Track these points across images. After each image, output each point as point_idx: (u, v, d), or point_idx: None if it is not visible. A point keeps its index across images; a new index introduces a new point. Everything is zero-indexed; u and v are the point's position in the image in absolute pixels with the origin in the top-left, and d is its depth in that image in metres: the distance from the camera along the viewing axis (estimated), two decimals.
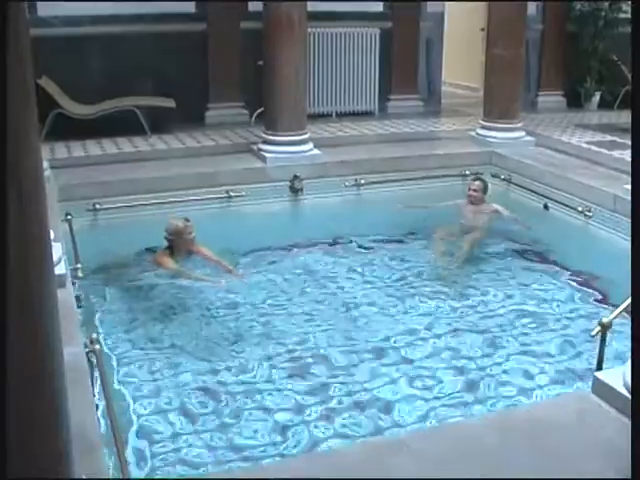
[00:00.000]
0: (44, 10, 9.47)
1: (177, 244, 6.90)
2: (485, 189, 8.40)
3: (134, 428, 4.60)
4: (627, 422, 3.42)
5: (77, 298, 5.38)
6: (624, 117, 11.75)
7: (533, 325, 6.23)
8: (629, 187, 7.12)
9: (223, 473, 3.90)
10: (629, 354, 4.01)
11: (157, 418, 4.77)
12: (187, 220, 6.94)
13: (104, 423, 3.85)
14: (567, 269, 7.42)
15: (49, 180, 6.92)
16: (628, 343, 5.29)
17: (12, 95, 1.90)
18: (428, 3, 12.57)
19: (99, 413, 3.87)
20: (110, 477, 3.18)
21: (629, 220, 6.89)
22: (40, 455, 2.18)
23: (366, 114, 12.07)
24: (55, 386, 2.25)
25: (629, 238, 6.83)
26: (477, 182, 8.42)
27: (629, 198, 6.94)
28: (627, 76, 12.44)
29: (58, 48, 9.55)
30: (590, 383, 3.83)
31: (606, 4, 12.82)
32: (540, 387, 5.19)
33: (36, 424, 2.15)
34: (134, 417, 4.75)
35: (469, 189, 8.40)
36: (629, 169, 8.03)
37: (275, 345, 5.83)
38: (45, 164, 6.69)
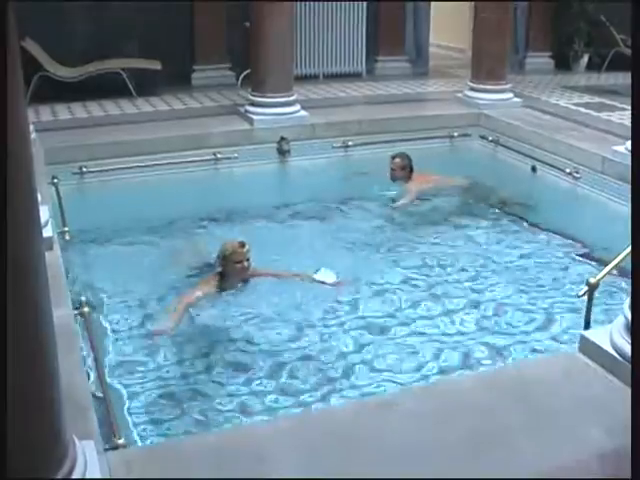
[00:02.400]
0: None
1: (227, 270, 5.87)
2: (407, 166, 8.23)
3: (125, 390, 4.62)
4: (613, 380, 3.46)
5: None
6: (612, 79, 11.75)
7: (520, 285, 6.27)
8: (617, 148, 7.18)
9: (214, 434, 3.92)
10: (616, 313, 4.05)
11: (148, 379, 4.79)
12: (242, 245, 5.84)
13: (94, 385, 3.86)
14: (554, 230, 7.44)
15: (35, 143, 6.85)
16: (615, 303, 5.38)
17: None
18: None
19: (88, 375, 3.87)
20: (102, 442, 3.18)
21: (617, 181, 6.98)
22: (34, 416, 2.19)
23: (353, 75, 12.00)
24: (45, 347, 2.25)
25: (617, 199, 6.93)
26: (396, 159, 8.28)
27: (617, 159, 7.04)
28: (616, 38, 12.40)
29: (42, 9, 9.40)
30: (577, 342, 3.86)
31: None
32: (528, 346, 5.24)
33: (29, 385, 2.16)
34: (125, 378, 4.77)
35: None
36: (617, 131, 8.13)
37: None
38: (30, 127, 6.63)
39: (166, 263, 6.51)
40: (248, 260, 5.84)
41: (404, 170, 8.23)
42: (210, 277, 5.96)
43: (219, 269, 5.89)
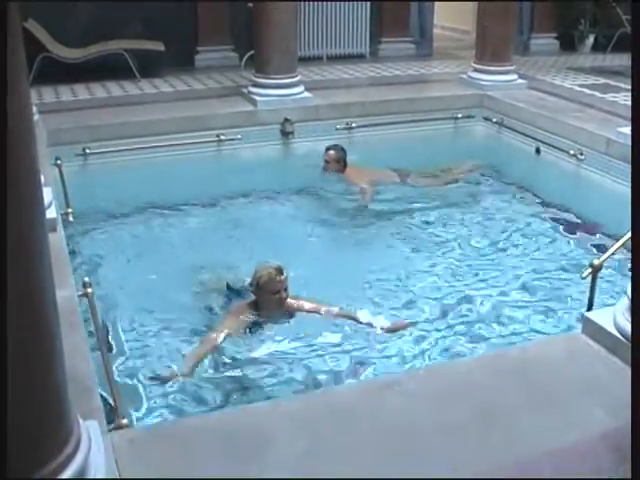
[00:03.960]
0: None
1: (261, 301, 5.13)
2: (341, 159, 7.98)
3: (127, 370, 4.64)
4: (616, 361, 3.47)
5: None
6: (618, 60, 11.69)
7: (523, 267, 6.27)
8: (621, 130, 7.15)
9: (218, 414, 3.93)
10: (619, 294, 4.05)
11: (150, 359, 4.81)
12: (280, 271, 5.02)
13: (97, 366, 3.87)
14: (559, 212, 7.44)
15: (37, 125, 6.84)
16: (617, 284, 5.39)
17: None
18: None
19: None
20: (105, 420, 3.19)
21: (621, 163, 6.96)
22: (38, 395, 2.20)
23: (357, 57, 11.96)
24: (49, 328, 2.26)
25: (621, 181, 6.90)
26: (330, 152, 8.01)
27: (621, 141, 7.01)
28: (622, 18, 12.32)
29: None
30: (580, 323, 3.86)
31: None
32: (530, 327, 5.25)
33: (32, 364, 2.16)
34: (127, 359, 4.79)
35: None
36: (622, 112, 8.10)
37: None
38: (33, 108, 6.60)
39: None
40: (286, 290, 5.07)
41: (338, 163, 7.98)
42: (242, 306, 5.21)
43: (252, 298, 5.18)
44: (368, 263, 6.26)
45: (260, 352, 4.82)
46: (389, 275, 6.07)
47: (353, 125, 8.84)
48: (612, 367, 3.44)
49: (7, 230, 1.98)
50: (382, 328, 5.06)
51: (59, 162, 6.98)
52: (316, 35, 11.71)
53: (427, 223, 7.24)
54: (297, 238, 6.75)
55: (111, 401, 3.55)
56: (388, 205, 7.63)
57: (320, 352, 4.85)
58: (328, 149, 8.05)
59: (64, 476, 2.28)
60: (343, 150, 8.04)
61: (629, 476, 2.61)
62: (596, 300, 4.39)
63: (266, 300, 5.06)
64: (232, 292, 5.50)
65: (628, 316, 3.45)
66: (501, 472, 2.80)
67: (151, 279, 5.92)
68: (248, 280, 5.23)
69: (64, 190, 6.57)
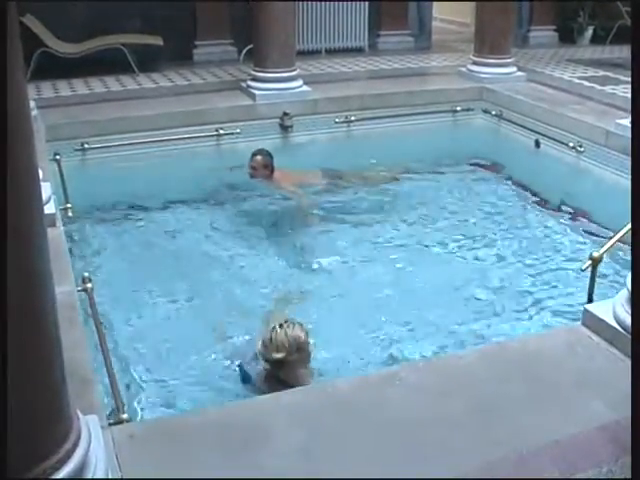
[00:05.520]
0: None
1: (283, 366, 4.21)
2: (269, 164, 7.54)
3: (127, 365, 4.64)
4: (616, 353, 3.47)
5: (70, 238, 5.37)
6: (617, 52, 11.68)
7: (524, 259, 6.27)
8: (621, 122, 7.14)
9: (217, 408, 3.93)
10: (618, 286, 4.05)
11: (149, 355, 4.81)
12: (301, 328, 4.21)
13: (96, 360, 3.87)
14: (558, 204, 7.43)
15: (36, 120, 6.83)
16: (616, 277, 5.38)
17: None
18: None
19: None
20: (106, 415, 3.20)
21: (620, 155, 6.95)
22: (37, 390, 2.20)
23: (356, 50, 11.95)
24: (48, 323, 2.25)
25: (620, 173, 6.89)
26: (257, 157, 7.55)
27: (621, 133, 7.00)
28: (621, 10, 12.30)
29: None
30: (580, 316, 3.86)
31: None
32: (531, 320, 5.25)
33: (31, 360, 2.16)
34: (127, 355, 4.79)
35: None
36: (621, 104, 8.08)
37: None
38: (31, 104, 6.60)
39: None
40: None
41: (266, 168, 7.56)
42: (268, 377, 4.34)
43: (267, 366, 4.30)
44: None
45: None
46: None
47: (352, 118, 8.83)
48: (612, 359, 3.45)
49: (6, 226, 1.98)
50: None
51: (58, 157, 6.99)
52: (315, 29, 11.70)
53: (416, 217, 7.23)
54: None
55: (111, 395, 3.55)
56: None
57: None
58: (254, 154, 7.62)
59: (64, 470, 2.27)
60: (270, 155, 7.59)
61: (628, 468, 2.61)
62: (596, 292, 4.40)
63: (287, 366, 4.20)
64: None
65: (628, 308, 3.45)
66: (501, 464, 2.81)
67: (150, 274, 5.92)
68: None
69: (63, 185, 6.57)
